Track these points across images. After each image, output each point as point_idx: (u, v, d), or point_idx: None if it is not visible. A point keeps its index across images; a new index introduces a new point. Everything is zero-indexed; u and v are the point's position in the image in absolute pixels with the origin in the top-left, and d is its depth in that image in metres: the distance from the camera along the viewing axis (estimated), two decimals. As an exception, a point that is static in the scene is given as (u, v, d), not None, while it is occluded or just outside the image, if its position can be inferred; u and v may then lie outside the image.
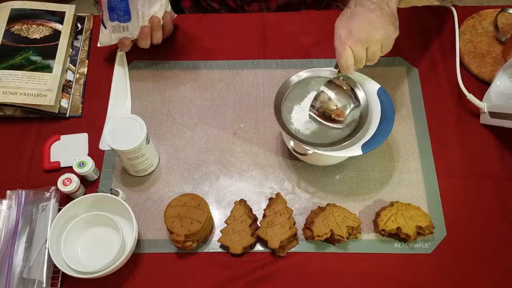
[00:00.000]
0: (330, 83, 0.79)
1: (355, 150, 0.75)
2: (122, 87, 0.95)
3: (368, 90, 0.80)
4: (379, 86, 0.80)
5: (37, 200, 0.81)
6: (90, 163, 0.81)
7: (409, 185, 0.84)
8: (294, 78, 0.81)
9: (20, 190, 0.81)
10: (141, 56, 0.97)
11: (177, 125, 0.91)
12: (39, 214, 0.79)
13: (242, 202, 0.81)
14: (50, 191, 0.82)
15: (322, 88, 0.78)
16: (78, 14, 1.02)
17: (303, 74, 0.82)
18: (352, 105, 0.78)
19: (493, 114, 0.85)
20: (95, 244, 0.78)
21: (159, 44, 0.95)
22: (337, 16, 0.88)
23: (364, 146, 0.75)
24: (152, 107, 0.93)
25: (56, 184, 0.80)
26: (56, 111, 0.90)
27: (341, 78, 0.79)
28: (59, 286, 0.76)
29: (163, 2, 0.88)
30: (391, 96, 0.92)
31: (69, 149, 0.88)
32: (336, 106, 0.78)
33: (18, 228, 0.78)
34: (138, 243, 0.80)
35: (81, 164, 0.81)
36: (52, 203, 0.80)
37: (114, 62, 0.97)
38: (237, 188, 0.85)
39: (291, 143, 0.77)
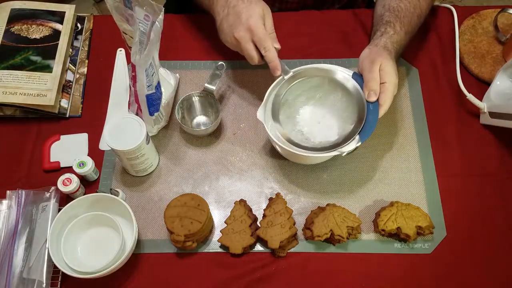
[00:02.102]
0: None
1: (353, 142, 0.75)
2: (122, 87, 0.95)
3: (342, 79, 0.81)
4: (351, 72, 0.81)
5: (37, 200, 0.81)
6: (90, 163, 0.81)
7: (409, 185, 0.84)
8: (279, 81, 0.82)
9: (20, 190, 0.81)
10: (141, 56, 0.97)
11: (176, 124, 0.91)
12: (39, 214, 0.79)
13: (242, 202, 0.81)
14: (50, 191, 0.81)
15: None
16: (78, 14, 1.02)
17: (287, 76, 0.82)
18: None
19: (493, 114, 0.85)
20: (95, 244, 0.78)
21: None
22: (336, 17, 0.88)
23: (360, 135, 0.75)
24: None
25: (56, 184, 0.80)
26: (56, 111, 0.90)
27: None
28: (59, 286, 0.76)
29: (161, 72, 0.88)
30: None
31: (69, 149, 0.88)
32: None
33: (18, 228, 0.78)
34: (138, 243, 0.79)
35: (81, 164, 0.81)
36: (52, 203, 0.80)
37: (114, 62, 0.97)
38: (237, 188, 0.85)
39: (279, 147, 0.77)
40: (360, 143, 0.74)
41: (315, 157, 0.78)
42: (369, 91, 0.77)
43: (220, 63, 0.89)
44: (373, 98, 0.77)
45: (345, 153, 0.75)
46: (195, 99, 0.89)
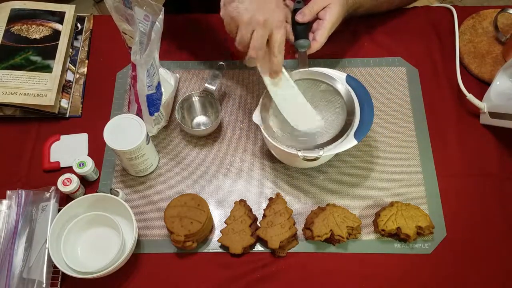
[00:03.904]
0: None
1: (350, 142, 0.74)
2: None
3: (335, 81, 0.80)
4: (345, 74, 0.81)
5: (37, 200, 0.81)
6: (90, 163, 0.81)
7: (409, 185, 0.84)
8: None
9: (20, 190, 0.81)
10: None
11: (176, 124, 0.91)
12: (39, 214, 0.79)
13: (242, 202, 0.81)
14: (50, 191, 0.81)
15: None
16: (78, 14, 1.02)
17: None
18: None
19: (493, 114, 0.85)
20: (95, 244, 0.78)
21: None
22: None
23: (356, 135, 0.75)
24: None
25: (56, 184, 0.80)
26: (56, 111, 0.90)
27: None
28: (59, 286, 0.76)
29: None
30: (391, 96, 0.92)
31: (69, 149, 0.88)
32: None
33: (18, 228, 0.78)
34: (138, 243, 0.79)
35: (81, 164, 0.81)
36: (52, 203, 0.80)
37: (113, 63, 0.97)
38: (237, 188, 0.85)
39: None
40: (356, 143, 0.74)
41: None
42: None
43: (220, 63, 0.90)
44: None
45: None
46: (195, 99, 0.90)
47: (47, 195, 0.81)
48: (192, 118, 0.91)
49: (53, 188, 0.82)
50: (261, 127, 0.78)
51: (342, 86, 0.79)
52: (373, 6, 0.93)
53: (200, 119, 0.91)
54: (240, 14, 0.71)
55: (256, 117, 0.79)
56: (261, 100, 0.80)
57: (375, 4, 0.92)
